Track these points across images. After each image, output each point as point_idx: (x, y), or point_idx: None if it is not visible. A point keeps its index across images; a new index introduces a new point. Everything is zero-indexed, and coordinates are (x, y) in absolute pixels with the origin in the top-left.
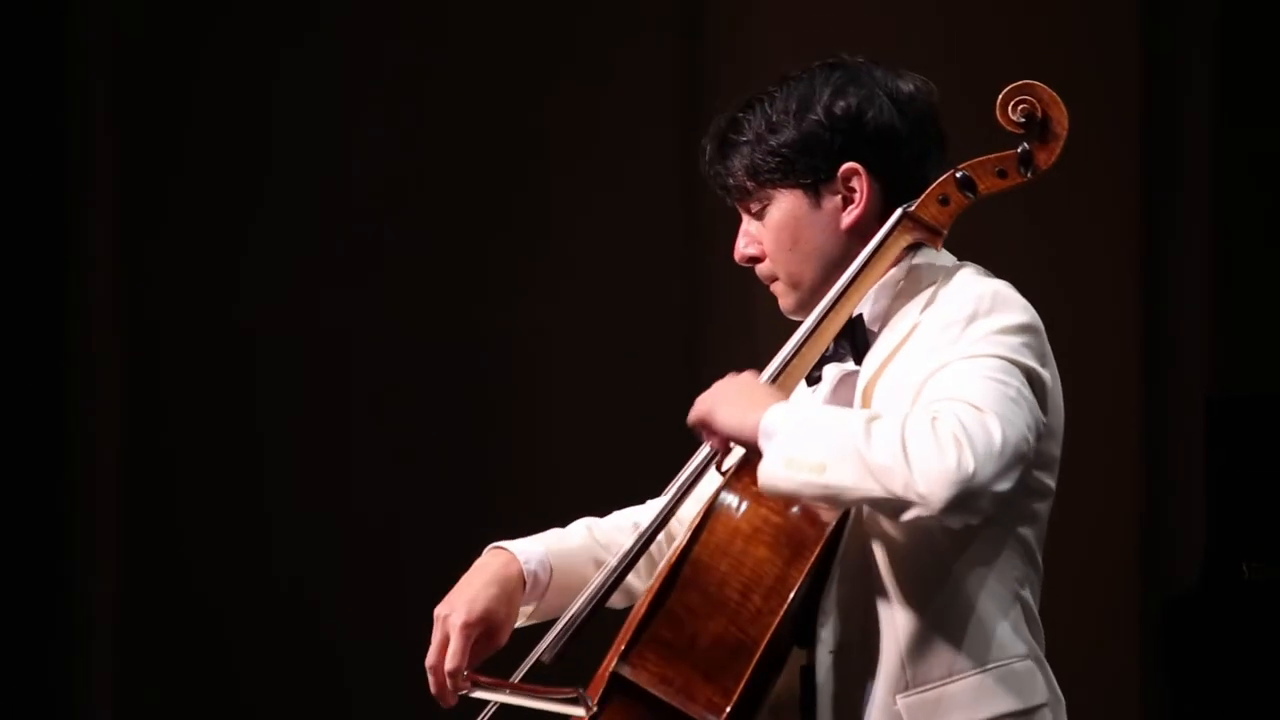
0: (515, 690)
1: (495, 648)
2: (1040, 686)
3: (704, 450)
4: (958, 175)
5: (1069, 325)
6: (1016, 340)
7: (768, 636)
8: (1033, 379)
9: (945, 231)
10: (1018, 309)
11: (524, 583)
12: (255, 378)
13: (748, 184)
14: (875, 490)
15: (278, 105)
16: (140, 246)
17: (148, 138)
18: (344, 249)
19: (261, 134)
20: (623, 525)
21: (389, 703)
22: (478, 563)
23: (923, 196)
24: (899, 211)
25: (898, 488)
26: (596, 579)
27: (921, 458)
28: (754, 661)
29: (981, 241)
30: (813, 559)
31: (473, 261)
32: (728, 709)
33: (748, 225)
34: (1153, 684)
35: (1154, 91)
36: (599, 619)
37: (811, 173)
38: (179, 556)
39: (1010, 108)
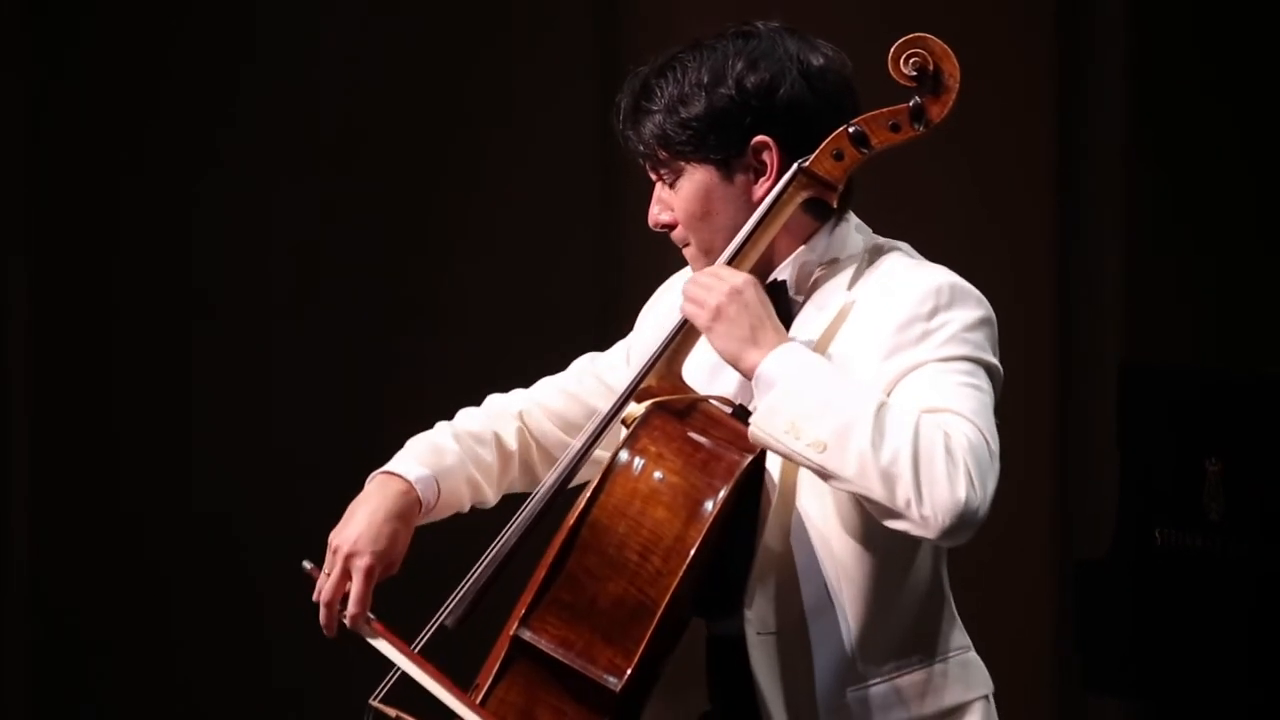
0: (412, 659)
1: (388, 575)
2: (983, 675)
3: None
4: (850, 130)
5: (983, 292)
6: (980, 336)
7: (668, 598)
8: (992, 374)
9: (840, 186)
10: (974, 302)
11: (420, 508)
12: (189, 339)
13: (660, 153)
14: (874, 491)
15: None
16: (53, 220)
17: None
18: (268, 213)
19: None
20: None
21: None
22: (369, 491)
23: (817, 151)
24: (794, 166)
25: (899, 501)
26: (498, 543)
27: (933, 482)
28: (655, 623)
29: (896, 210)
30: (711, 520)
31: (389, 235)
32: (629, 670)
33: (660, 191)
34: (1066, 651)
35: (1068, 61)
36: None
37: (723, 148)
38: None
39: (902, 61)
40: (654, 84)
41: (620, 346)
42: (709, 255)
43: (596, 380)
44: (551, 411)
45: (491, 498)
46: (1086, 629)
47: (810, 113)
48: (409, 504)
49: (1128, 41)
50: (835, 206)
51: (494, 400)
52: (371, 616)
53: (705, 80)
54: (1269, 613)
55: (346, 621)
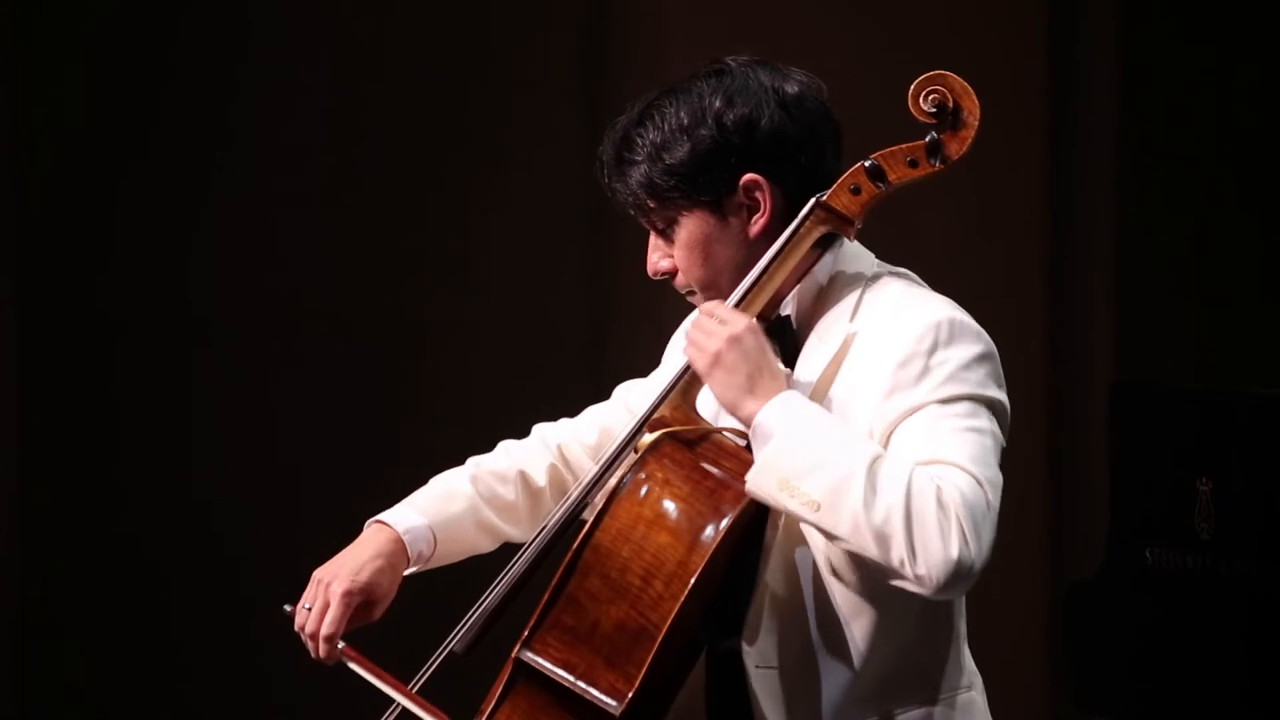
0: (382, 678)
1: (370, 620)
2: (983, 713)
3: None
4: (867, 165)
5: (975, 313)
6: (981, 372)
7: (669, 623)
8: (997, 409)
9: (858, 221)
10: (973, 336)
11: (408, 558)
12: (190, 363)
13: (649, 202)
14: (868, 549)
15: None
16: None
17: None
18: (262, 238)
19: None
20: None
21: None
22: (361, 537)
23: (835, 186)
24: (812, 201)
25: (894, 559)
26: (509, 569)
27: (927, 540)
28: (656, 648)
29: (887, 229)
30: (714, 546)
31: (386, 256)
32: (630, 694)
33: (656, 239)
34: (1057, 671)
35: (1059, 84)
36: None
37: (712, 189)
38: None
39: (922, 98)
40: (634, 134)
41: (656, 373)
42: (715, 297)
43: (627, 412)
44: (586, 445)
45: (517, 535)
46: (1079, 649)
47: (792, 141)
48: (395, 551)
49: (1119, 55)
50: (852, 240)
51: (538, 430)
52: (343, 643)
53: (685, 123)
54: (1260, 632)
55: (321, 645)
